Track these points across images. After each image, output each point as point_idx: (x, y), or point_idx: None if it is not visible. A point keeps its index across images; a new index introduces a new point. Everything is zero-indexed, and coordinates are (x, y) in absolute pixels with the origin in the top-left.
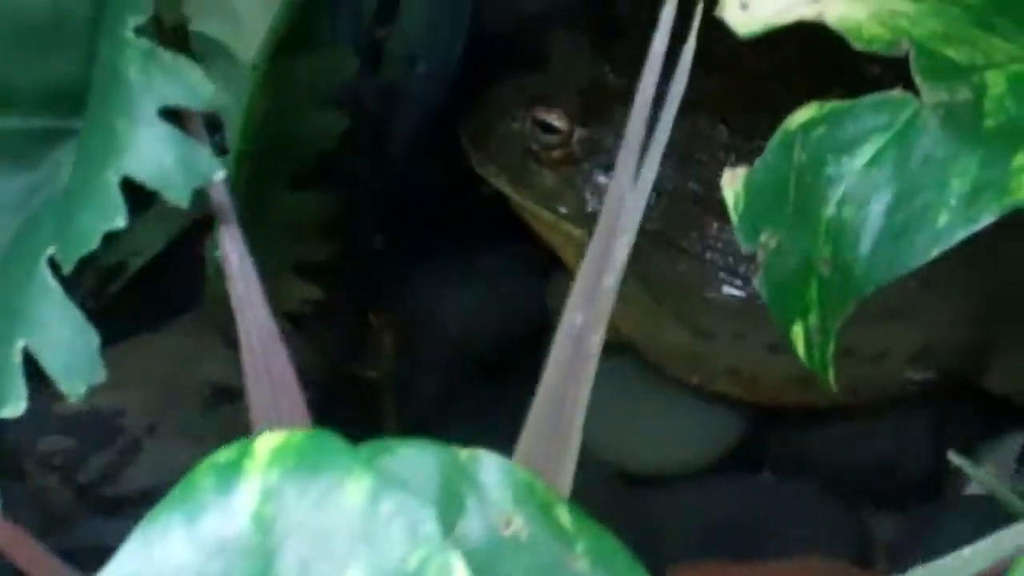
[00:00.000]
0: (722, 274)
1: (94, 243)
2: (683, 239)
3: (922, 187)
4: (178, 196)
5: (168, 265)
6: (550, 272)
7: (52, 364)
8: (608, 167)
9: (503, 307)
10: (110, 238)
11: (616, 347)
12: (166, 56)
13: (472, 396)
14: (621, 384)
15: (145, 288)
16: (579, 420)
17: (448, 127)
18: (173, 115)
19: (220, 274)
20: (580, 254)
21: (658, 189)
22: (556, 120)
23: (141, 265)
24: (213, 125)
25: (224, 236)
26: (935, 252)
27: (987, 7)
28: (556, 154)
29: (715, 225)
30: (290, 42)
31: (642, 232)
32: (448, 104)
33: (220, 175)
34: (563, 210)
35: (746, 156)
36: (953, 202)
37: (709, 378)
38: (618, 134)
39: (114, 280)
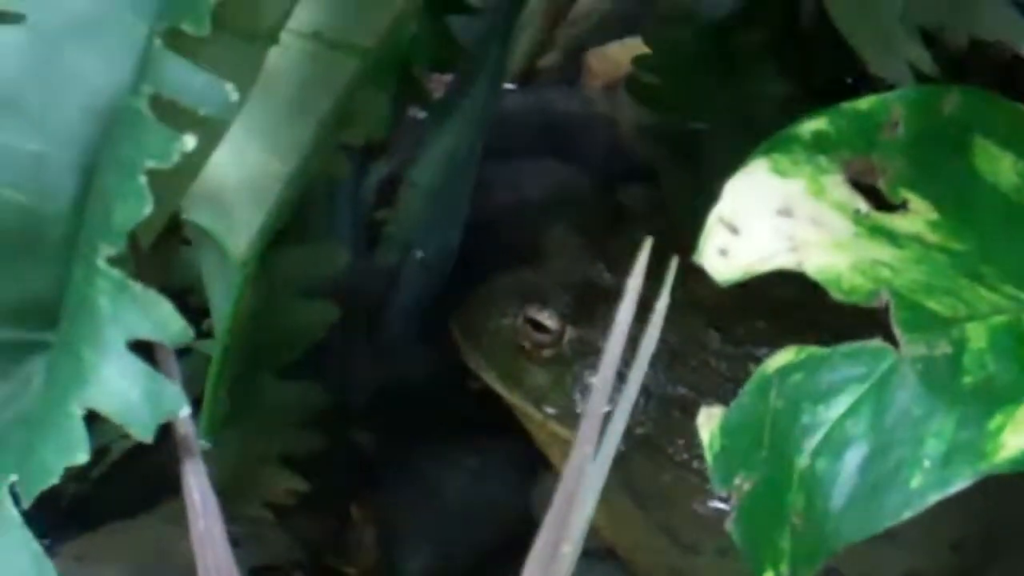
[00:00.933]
0: (709, 486)
1: (54, 478)
2: (669, 446)
3: (897, 444)
4: (143, 432)
5: (153, 450)
6: (537, 471)
7: None
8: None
9: (487, 509)
10: (95, 420)
11: (599, 552)
12: (137, 288)
13: None
14: None
15: (128, 473)
16: None
17: (441, 316)
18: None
19: (205, 464)
20: (567, 454)
21: (647, 392)
22: (547, 319)
23: (125, 449)
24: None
25: (187, 471)
26: (907, 514)
27: (973, 254)
28: (547, 353)
29: None
30: (281, 236)
31: (628, 436)
32: (443, 291)
33: (186, 411)
34: (551, 410)
35: (738, 362)
36: (927, 463)
37: None
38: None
39: (99, 463)
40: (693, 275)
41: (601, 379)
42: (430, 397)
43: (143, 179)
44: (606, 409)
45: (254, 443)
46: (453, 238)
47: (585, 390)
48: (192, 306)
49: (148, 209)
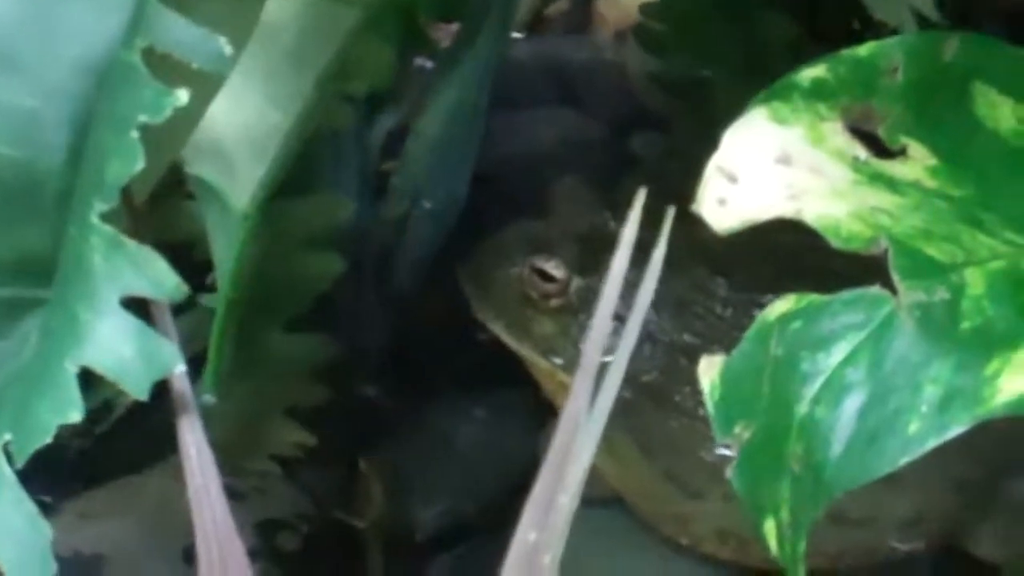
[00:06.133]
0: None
1: (48, 436)
2: (676, 394)
3: (895, 390)
4: (137, 389)
5: (157, 405)
6: (546, 421)
7: (3, 556)
8: None
9: (497, 460)
10: (97, 376)
11: (605, 499)
12: (131, 245)
13: (458, 548)
14: (606, 539)
15: (132, 429)
16: None
17: (449, 266)
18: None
19: (211, 418)
20: None
21: (653, 339)
22: (554, 269)
23: (129, 405)
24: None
25: (183, 427)
26: (904, 460)
27: (971, 200)
28: (553, 303)
29: None
30: (285, 188)
31: (635, 384)
32: (451, 242)
33: (181, 368)
34: (558, 360)
35: (744, 309)
36: (925, 409)
37: (698, 539)
38: None
39: (102, 419)
40: (700, 222)
41: (596, 329)
42: (438, 348)
43: (135, 134)
44: (605, 359)
45: (261, 396)
46: (460, 188)
47: None
48: (197, 260)
49: (140, 164)
